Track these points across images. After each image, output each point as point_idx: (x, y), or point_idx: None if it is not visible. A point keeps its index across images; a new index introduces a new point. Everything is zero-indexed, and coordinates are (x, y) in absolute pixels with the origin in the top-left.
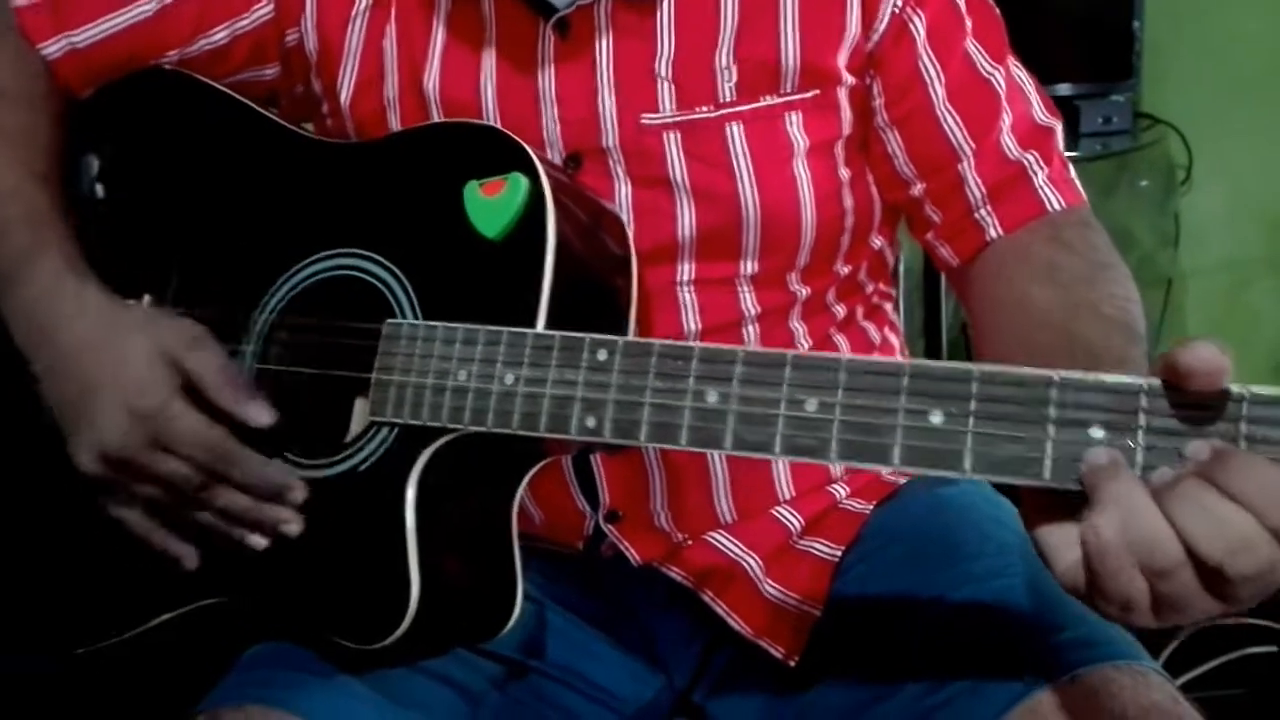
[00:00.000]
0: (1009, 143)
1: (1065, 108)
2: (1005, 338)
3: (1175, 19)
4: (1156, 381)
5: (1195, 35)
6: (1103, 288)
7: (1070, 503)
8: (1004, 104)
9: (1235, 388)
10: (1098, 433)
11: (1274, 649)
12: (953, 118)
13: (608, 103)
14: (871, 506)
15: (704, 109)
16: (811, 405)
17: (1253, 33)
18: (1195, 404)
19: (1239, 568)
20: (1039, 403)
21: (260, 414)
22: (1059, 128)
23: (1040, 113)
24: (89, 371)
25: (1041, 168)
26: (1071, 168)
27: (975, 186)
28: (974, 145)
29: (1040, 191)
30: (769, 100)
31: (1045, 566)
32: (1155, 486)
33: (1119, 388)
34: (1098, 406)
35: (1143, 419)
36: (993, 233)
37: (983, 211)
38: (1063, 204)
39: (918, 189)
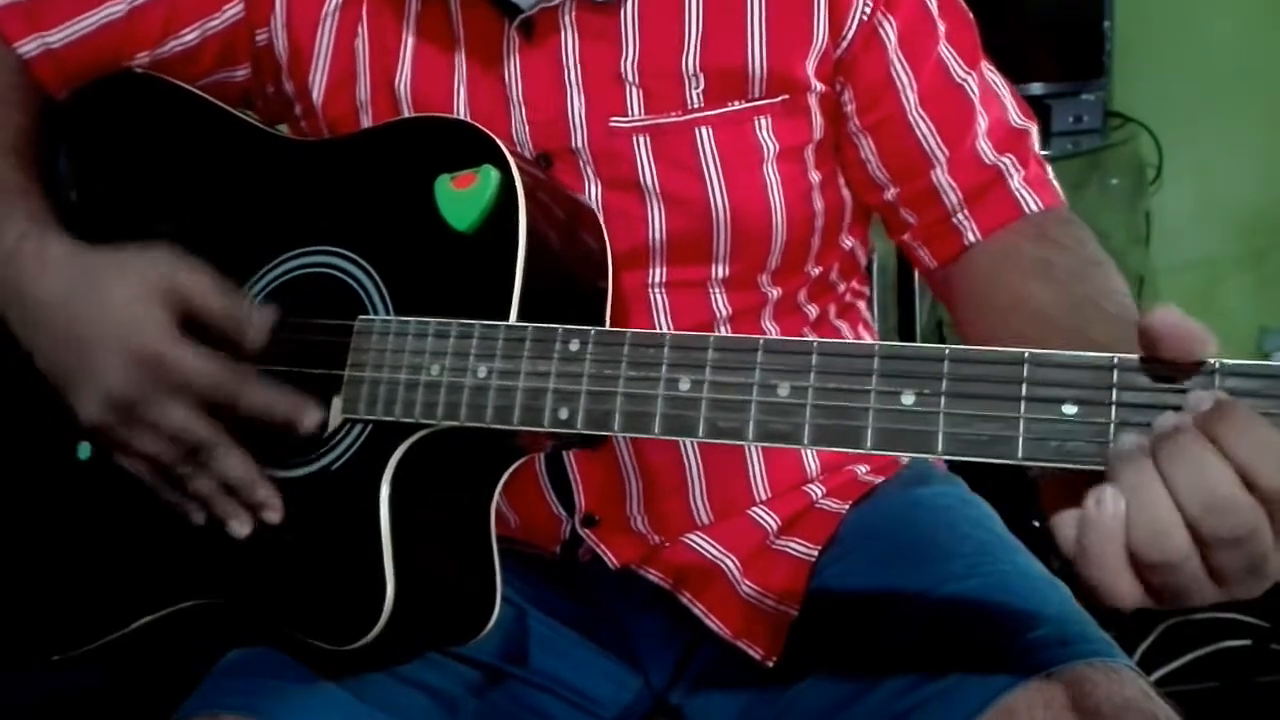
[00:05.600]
0: (985, 147)
1: (1036, 107)
2: (1003, 340)
3: (1146, 19)
4: (1128, 356)
5: (1166, 35)
6: (1099, 282)
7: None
8: (978, 109)
9: (1208, 360)
10: (1070, 409)
11: (1248, 643)
12: (925, 124)
13: (576, 104)
14: (848, 506)
15: (673, 114)
16: (784, 390)
17: (1223, 32)
18: (1167, 377)
19: (1213, 527)
20: (1010, 381)
21: (266, 317)
22: (1034, 130)
23: (1015, 116)
24: (72, 326)
25: (1018, 170)
26: (1049, 169)
27: (951, 191)
28: (948, 152)
29: (1016, 194)
30: (737, 105)
31: (1055, 550)
32: (1155, 434)
33: (1090, 363)
34: (1069, 383)
35: (1115, 394)
36: (971, 237)
37: (960, 216)
38: (1040, 205)
39: (891, 193)
